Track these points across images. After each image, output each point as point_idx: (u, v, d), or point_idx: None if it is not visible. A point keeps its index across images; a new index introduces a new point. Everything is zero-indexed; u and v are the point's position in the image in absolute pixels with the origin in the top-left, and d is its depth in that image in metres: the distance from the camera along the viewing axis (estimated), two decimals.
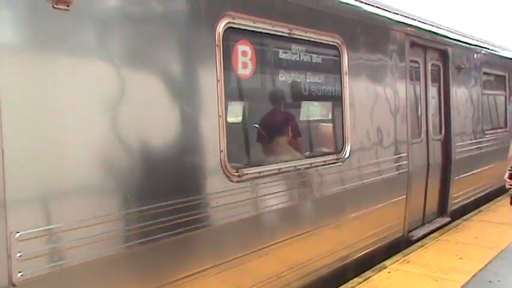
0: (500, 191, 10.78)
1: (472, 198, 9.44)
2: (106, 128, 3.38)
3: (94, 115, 3.30)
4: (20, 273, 2.92)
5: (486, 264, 6.22)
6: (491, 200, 10.07)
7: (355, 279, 5.69)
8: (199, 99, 4.01)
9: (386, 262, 6.23)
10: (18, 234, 2.90)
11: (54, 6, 3.04)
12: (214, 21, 4.11)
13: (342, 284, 5.58)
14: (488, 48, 10.51)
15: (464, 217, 8.60)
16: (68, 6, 3.08)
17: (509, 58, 11.72)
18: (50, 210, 3.09)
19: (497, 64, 10.78)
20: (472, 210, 9.16)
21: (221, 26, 4.15)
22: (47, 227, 3.05)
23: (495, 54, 10.86)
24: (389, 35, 6.74)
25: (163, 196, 3.68)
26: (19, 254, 2.91)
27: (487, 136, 9.95)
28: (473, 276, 5.83)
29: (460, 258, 6.44)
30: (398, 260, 6.34)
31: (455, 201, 8.54)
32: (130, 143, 3.52)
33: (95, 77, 3.30)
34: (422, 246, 6.95)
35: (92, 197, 3.30)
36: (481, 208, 9.25)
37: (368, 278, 5.74)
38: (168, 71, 3.80)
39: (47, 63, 3.08)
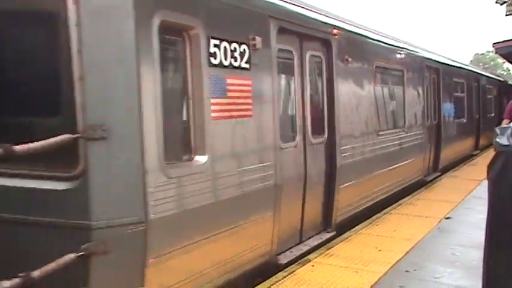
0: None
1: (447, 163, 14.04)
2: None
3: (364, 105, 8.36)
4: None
5: (404, 255, 6.46)
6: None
7: (280, 273, 5.75)
8: (373, 98, 8.81)
9: (310, 256, 6.37)
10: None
11: (344, 63, 7.61)
12: (373, 63, 8.88)
13: (268, 278, 5.65)
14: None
15: (384, 211, 8.96)
16: (347, 62, 7.62)
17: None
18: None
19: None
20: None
21: (375, 65, 8.92)
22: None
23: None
24: (420, 63, 11.79)
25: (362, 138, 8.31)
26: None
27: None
28: (392, 266, 6.05)
29: (380, 250, 6.68)
30: (322, 254, 6.49)
31: (443, 160, 13.45)
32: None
33: (354, 89, 8.02)
34: (345, 239, 7.16)
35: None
36: (400, 202, 9.67)
37: (292, 272, 5.82)
38: (366, 87, 8.59)
39: (344, 85, 7.61)
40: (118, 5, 3.71)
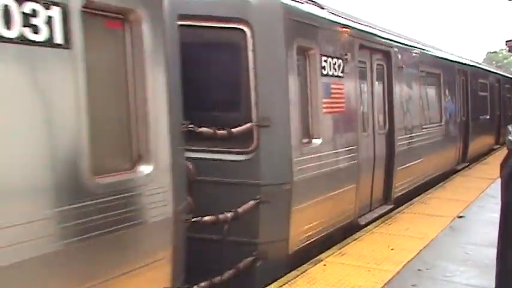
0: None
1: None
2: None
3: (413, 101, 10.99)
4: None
5: (416, 254, 6.76)
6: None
7: (292, 272, 5.98)
8: (419, 97, 11.14)
9: (322, 255, 6.43)
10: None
11: (399, 69, 9.80)
12: (419, 68, 11.29)
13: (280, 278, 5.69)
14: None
15: (397, 209, 8.98)
16: (402, 68, 9.91)
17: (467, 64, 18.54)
18: None
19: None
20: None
21: (420, 70, 11.42)
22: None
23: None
24: (452, 67, 14.21)
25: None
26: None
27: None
28: (404, 265, 6.30)
29: (392, 249, 6.84)
30: (334, 253, 6.75)
31: (470, 152, 15.70)
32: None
33: (406, 90, 10.53)
34: (356, 239, 7.20)
35: None
36: (412, 201, 9.70)
37: (305, 271, 6.07)
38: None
39: (399, 87, 9.94)
40: (276, 37, 6.14)
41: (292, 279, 5.88)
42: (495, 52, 79.60)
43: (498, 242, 3.91)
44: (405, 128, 10.12)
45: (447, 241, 7.45)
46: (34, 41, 3.14)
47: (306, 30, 6.71)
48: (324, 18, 7.34)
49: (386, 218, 8.89)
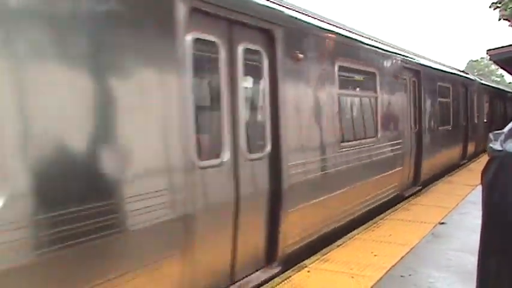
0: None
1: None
2: None
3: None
4: None
5: (399, 260, 6.75)
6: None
7: (276, 279, 5.85)
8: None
9: (306, 261, 6.41)
10: None
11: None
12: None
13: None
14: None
15: (379, 216, 9.00)
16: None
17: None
18: None
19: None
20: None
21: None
22: None
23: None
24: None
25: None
26: None
27: None
28: (387, 271, 6.31)
29: (375, 255, 6.84)
30: (318, 259, 6.63)
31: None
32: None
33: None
34: (340, 245, 7.20)
35: None
36: (395, 207, 9.72)
37: (288, 277, 6.01)
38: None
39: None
40: (477, 92, 20.75)
41: (275, 286, 5.79)
42: (477, 60, 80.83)
43: (479, 248, 3.96)
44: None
45: (429, 247, 7.44)
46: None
47: (480, 88, 21.18)
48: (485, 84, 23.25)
49: (370, 224, 8.80)
